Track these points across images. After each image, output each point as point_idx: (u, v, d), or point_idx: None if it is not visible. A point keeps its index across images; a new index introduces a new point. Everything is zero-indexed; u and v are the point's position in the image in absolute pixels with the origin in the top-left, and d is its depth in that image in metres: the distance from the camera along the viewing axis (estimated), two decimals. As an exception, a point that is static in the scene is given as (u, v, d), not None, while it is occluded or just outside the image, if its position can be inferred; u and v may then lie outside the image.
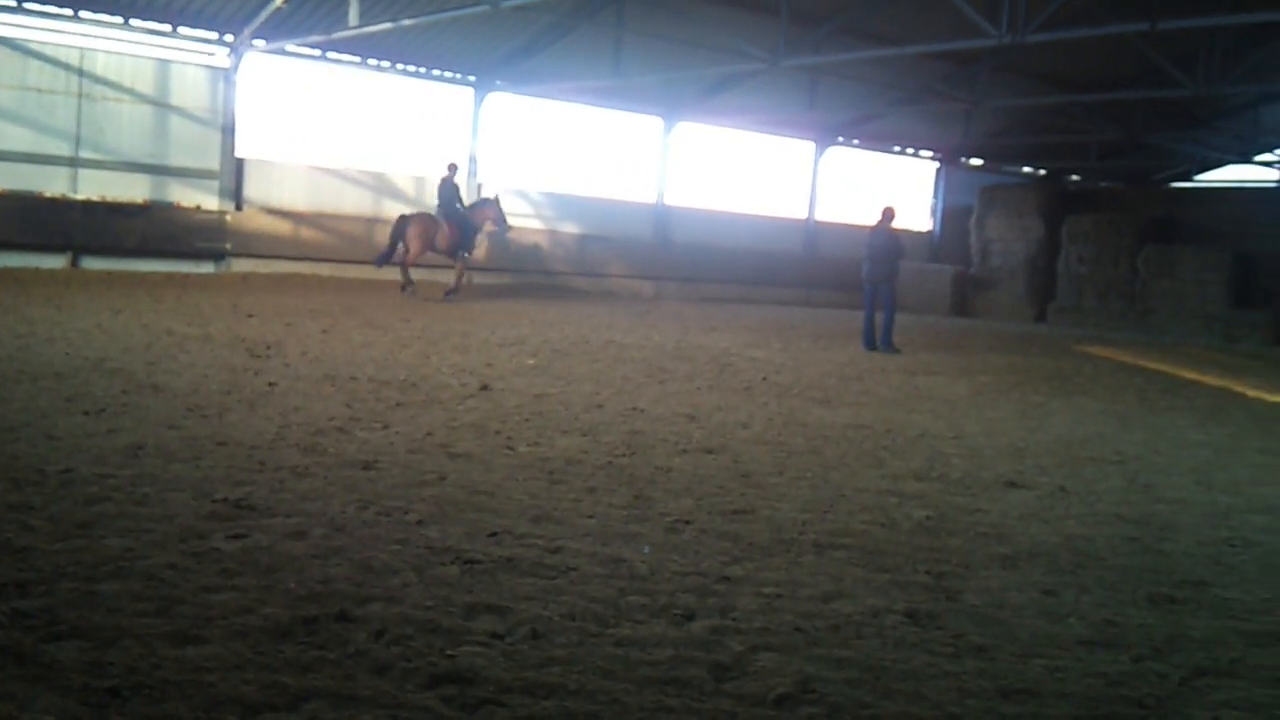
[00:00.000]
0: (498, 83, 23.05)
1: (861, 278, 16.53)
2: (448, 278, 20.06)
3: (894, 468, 7.22)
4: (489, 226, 20.53)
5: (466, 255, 20.08)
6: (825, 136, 28.50)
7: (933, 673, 3.65)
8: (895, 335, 16.19)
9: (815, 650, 3.78)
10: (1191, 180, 31.36)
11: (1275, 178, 29.36)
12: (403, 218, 19.49)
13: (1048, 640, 4.05)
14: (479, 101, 23.21)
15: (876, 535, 5.40)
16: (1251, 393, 13.54)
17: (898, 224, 16.93)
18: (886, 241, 16.32)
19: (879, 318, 16.09)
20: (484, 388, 9.32)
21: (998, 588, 4.66)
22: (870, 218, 17.72)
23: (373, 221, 21.72)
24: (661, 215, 26.32)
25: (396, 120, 22.88)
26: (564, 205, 24.78)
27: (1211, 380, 14.86)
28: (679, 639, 3.80)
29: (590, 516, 5.38)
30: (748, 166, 28.51)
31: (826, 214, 29.54)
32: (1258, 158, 28.89)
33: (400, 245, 19.26)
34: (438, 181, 20.03)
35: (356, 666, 3.38)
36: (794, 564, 4.82)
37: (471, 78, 22.90)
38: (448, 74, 22.65)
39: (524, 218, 24.01)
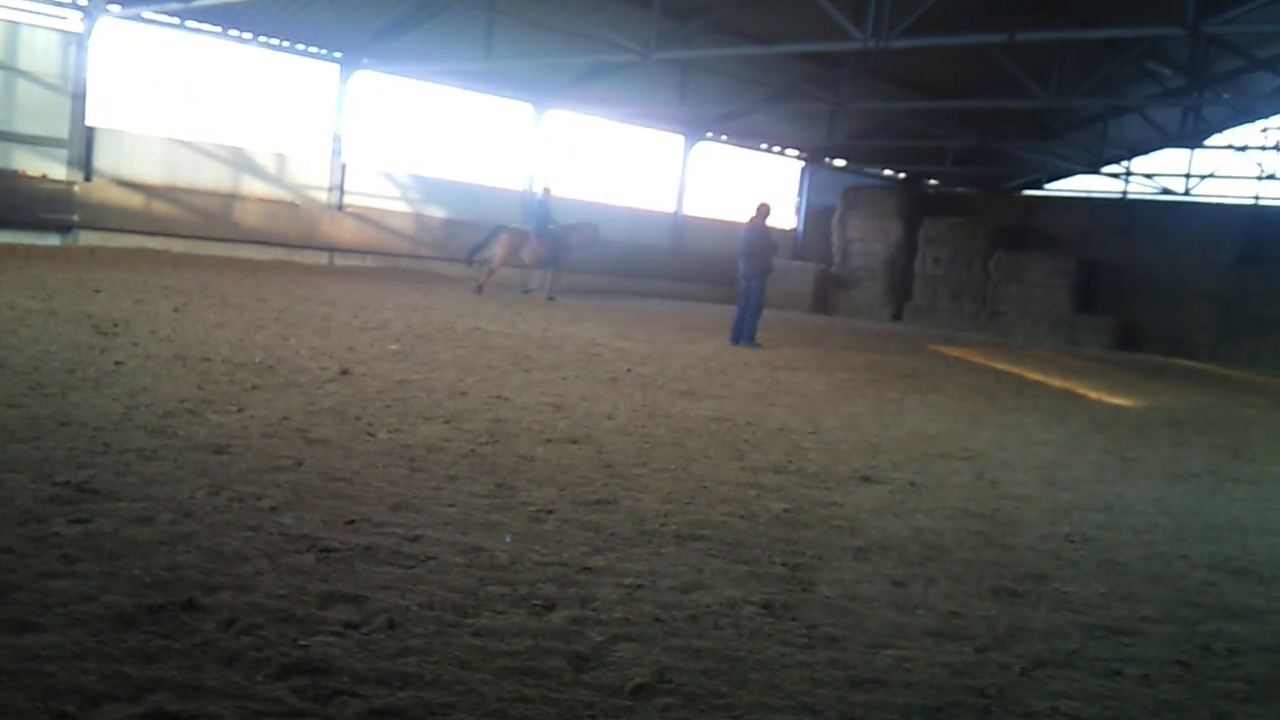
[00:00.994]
0: (365, 61, 22.57)
1: (739, 273, 16.75)
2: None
3: (754, 461, 7.33)
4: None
5: (555, 270, 22.08)
6: (695, 131, 28.74)
7: (786, 663, 3.72)
8: (759, 331, 16.44)
9: (673, 641, 3.82)
10: (1042, 188, 32.60)
11: (1120, 189, 30.70)
12: (498, 227, 21.53)
13: (896, 631, 4.17)
14: (345, 79, 22.70)
15: (736, 527, 5.48)
16: (1093, 395, 14.15)
17: (771, 221, 17.18)
18: (761, 238, 16.56)
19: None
20: (344, 372, 9.14)
21: (850, 579, 4.78)
22: (738, 214, 17.99)
23: (231, 198, 21.06)
24: (530, 202, 26.18)
25: (258, 95, 22.21)
26: (432, 189, 24.43)
27: (1056, 382, 15.49)
28: (538, 629, 3.80)
29: (451, 505, 5.33)
30: (618, 157, 28.58)
31: (695, 208, 29.82)
32: (1104, 169, 30.21)
33: (491, 249, 21.27)
34: (533, 201, 22.24)
35: (204, 656, 3.28)
36: (655, 555, 4.86)
37: (338, 54, 22.36)
38: (313, 49, 22.05)
39: (390, 200, 23.61)
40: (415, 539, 4.69)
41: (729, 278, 29.23)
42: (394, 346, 11.22)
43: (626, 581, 4.42)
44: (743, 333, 16.15)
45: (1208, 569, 5.58)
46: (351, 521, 4.84)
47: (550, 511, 5.39)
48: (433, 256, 24.18)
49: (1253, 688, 3.89)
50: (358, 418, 7.31)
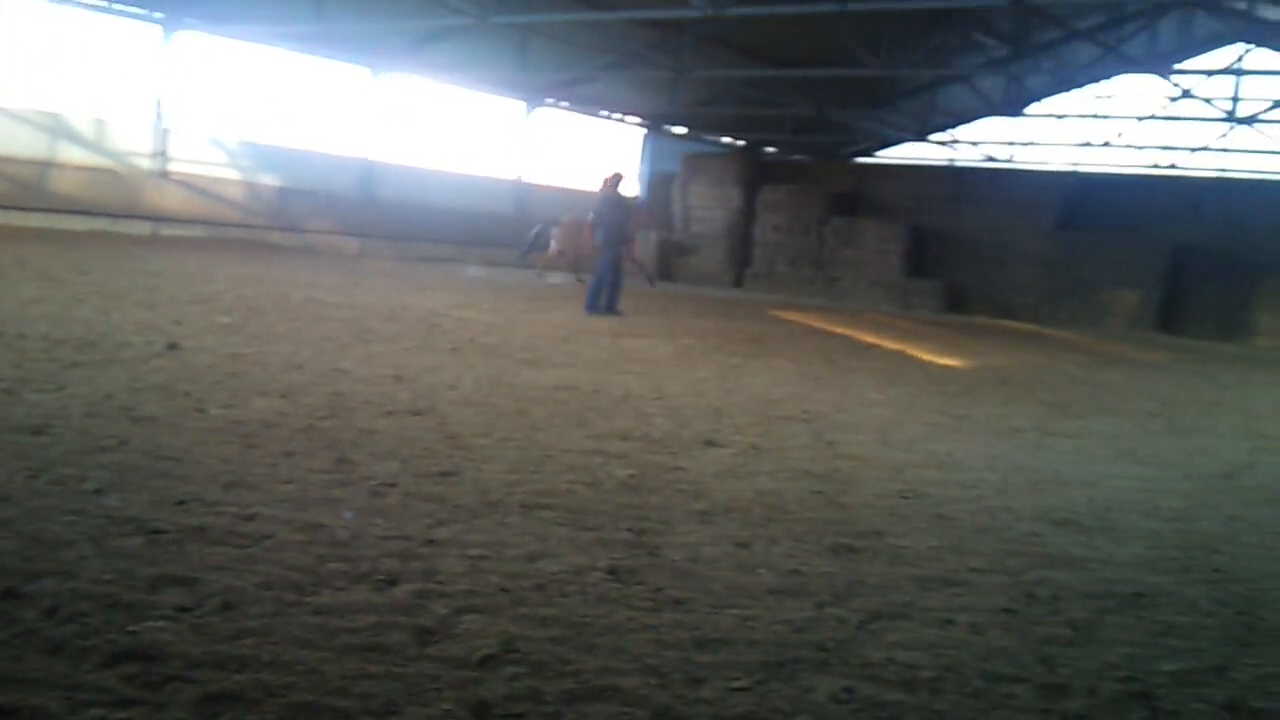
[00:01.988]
0: (188, 20, 21.63)
1: (595, 242, 16.76)
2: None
3: (600, 428, 7.35)
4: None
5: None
6: (535, 97, 28.53)
7: (633, 626, 3.75)
8: (602, 299, 16.46)
9: (520, 610, 3.80)
10: (874, 156, 33.47)
11: (948, 157, 31.73)
12: (549, 221, 22.40)
13: (740, 591, 4.24)
14: (167, 40, 21.72)
15: (582, 494, 5.48)
16: (925, 356, 14.65)
17: (624, 188, 17.22)
18: (615, 206, 16.58)
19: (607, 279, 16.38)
20: (172, 347, 8.77)
21: (695, 542, 4.83)
22: (582, 181, 18.00)
23: (47, 166, 19.97)
24: (368, 170, 25.61)
25: (75, 58, 21.08)
26: (263, 156, 23.65)
27: (890, 344, 15.98)
28: (381, 604, 3.72)
29: (288, 482, 5.18)
30: (458, 124, 28.17)
31: (538, 176, 29.63)
32: (932, 137, 31.20)
33: (546, 242, 22.29)
34: (599, 188, 21.12)
35: (26, 646, 3.12)
36: (500, 525, 4.82)
37: (159, 14, 21.37)
38: (132, 8, 21.03)
39: (219, 167, 22.76)
40: (250, 518, 4.54)
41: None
42: (225, 319, 10.84)
43: (471, 553, 4.37)
44: (599, 301, 16.14)
45: (1032, 520, 5.84)
46: (182, 502, 4.66)
47: (392, 485, 5.30)
48: (265, 226, 23.43)
49: (1075, 632, 4.09)
50: (187, 394, 7.04)
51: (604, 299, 16.15)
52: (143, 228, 21.38)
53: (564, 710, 3.07)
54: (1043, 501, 6.33)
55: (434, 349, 10.45)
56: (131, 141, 21.52)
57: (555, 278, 23.32)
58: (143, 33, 21.62)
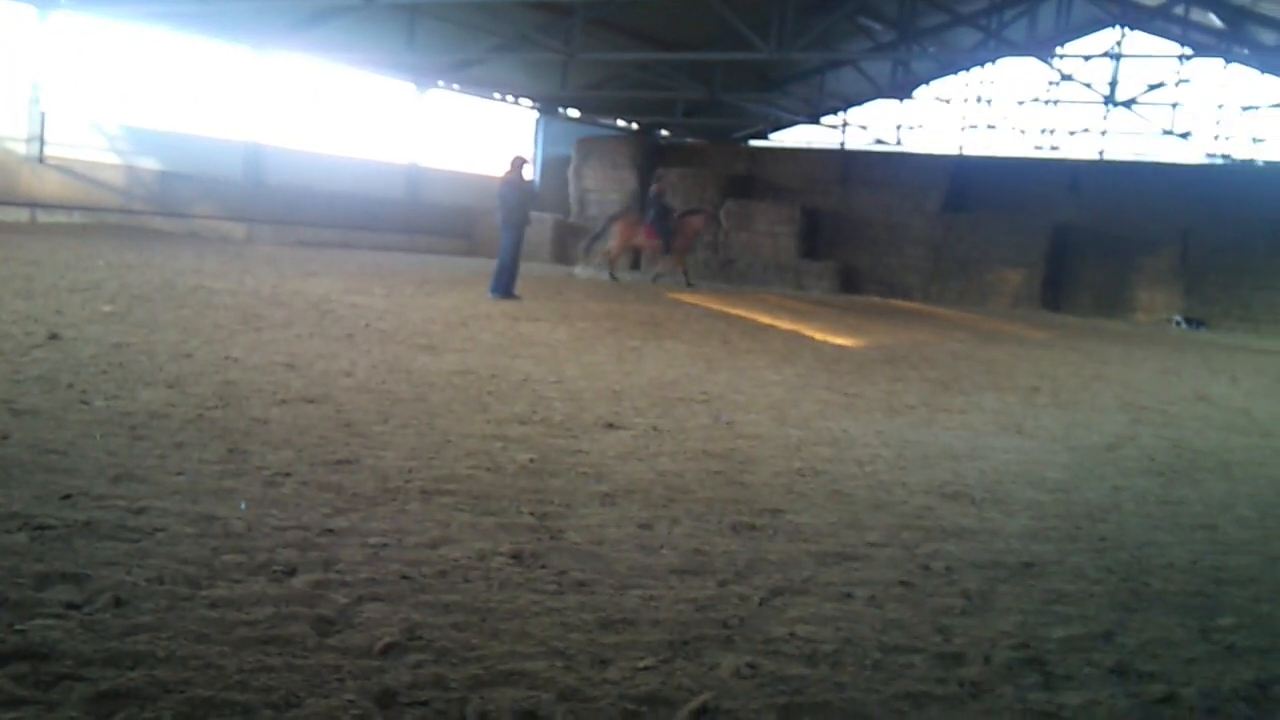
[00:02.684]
0: (63, 1, 20.84)
1: (499, 224, 16.63)
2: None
3: (499, 412, 7.31)
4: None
5: (668, 255, 23.80)
6: (426, 79, 28.14)
7: (537, 610, 3.74)
8: (506, 282, 16.33)
9: (422, 597, 3.76)
10: (767, 139, 33.79)
11: (838, 140, 32.18)
12: (612, 216, 23.33)
13: (643, 571, 4.26)
14: (42, 19, 20.89)
15: (482, 479, 5.45)
16: (819, 336, 14.87)
17: (526, 172, 17.11)
18: (517, 190, 16.48)
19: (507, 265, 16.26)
20: (53, 337, 8.47)
21: (598, 524, 4.84)
22: (475, 164, 17.84)
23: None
24: (254, 154, 24.98)
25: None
26: (144, 139, 22.92)
27: (785, 325, 16.18)
28: (279, 596, 3.66)
29: (179, 473, 5.05)
30: (347, 106, 27.63)
31: (431, 159, 29.26)
32: (823, 120, 31.61)
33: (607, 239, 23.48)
34: (652, 192, 23.57)
35: (-98, 652, 2.99)
36: (400, 512, 4.77)
37: (32, -6, 20.57)
38: (1, -12, 20.22)
39: (99, 152, 22.01)
40: (140, 511, 4.42)
41: (468, 230, 29.03)
42: (108, 308, 10.50)
43: (371, 541, 4.32)
44: (499, 284, 16.02)
45: (925, 494, 5.98)
46: (68, 496, 4.51)
47: (287, 474, 5.20)
48: (147, 211, 22.74)
49: (969, 602, 4.21)
50: (70, 385, 6.81)
51: (501, 282, 16.05)
52: (19, 214, 20.58)
53: (470, 696, 3.06)
54: (934, 476, 6.48)
55: (327, 335, 10.27)
56: (6, 126, 20.69)
57: (623, 274, 24.24)
58: (16, 13, 20.76)
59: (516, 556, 4.29)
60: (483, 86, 29.60)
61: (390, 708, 2.96)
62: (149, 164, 22.97)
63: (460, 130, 30.29)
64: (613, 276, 23.18)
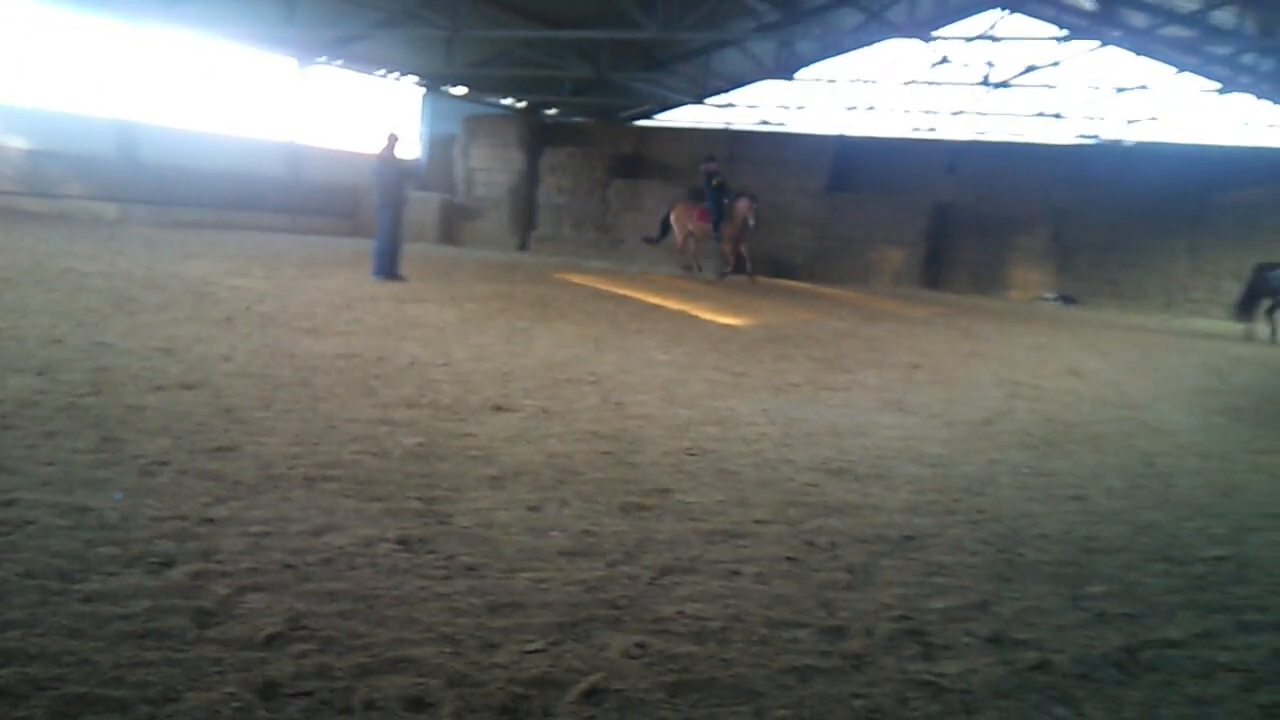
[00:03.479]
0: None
1: (375, 204, 16.33)
2: None
3: (385, 396, 7.21)
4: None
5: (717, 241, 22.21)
6: (307, 55, 27.48)
7: (425, 596, 3.71)
8: (388, 263, 16.09)
9: (306, 586, 3.71)
10: (654, 119, 33.85)
11: (725, 120, 32.40)
12: (666, 211, 22.85)
13: (533, 554, 4.26)
14: (-107, -11, 19.87)
15: (369, 465, 5.38)
16: (706, 316, 14.98)
17: (401, 149, 16.82)
18: (393, 168, 16.20)
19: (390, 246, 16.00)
20: (-89, 323, 8.11)
21: (487, 508, 4.82)
22: (359, 142, 17.48)
23: None
24: (127, 132, 24.10)
25: None
26: (10, 118, 21.93)
27: (673, 305, 16.26)
28: (157, 588, 3.56)
29: (50, 464, 4.88)
30: (225, 83, 26.83)
31: (313, 137, 28.62)
32: (710, 100, 31.78)
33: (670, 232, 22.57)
34: (702, 171, 22.20)
35: None
36: (283, 500, 4.68)
37: (-119, -39, 19.52)
38: None
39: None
40: (9, 503, 4.26)
41: (352, 210, 28.50)
42: (-28, 292, 10.07)
43: (253, 530, 4.23)
44: (381, 266, 15.77)
45: (810, 471, 6.08)
46: (-71, 490, 4.33)
47: (165, 463, 5.06)
48: (14, 192, 21.81)
49: (852, 576, 4.30)
50: (-69, 374, 6.52)
51: (385, 263, 15.81)
52: None
53: (356, 685, 3.03)
54: (819, 453, 6.60)
55: (205, 319, 10.01)
56: None
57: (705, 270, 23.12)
58: None
59: (403, 542, 4.25)
60: (366, 63, 29.01)
61: (273, 699, 2.92)
62: (15, 143, 22.02)
63: (343, 108, 29.68)
64: (698, 268, 22.66)
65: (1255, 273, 19.74)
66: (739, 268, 22.08)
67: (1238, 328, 19.74)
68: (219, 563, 3.85)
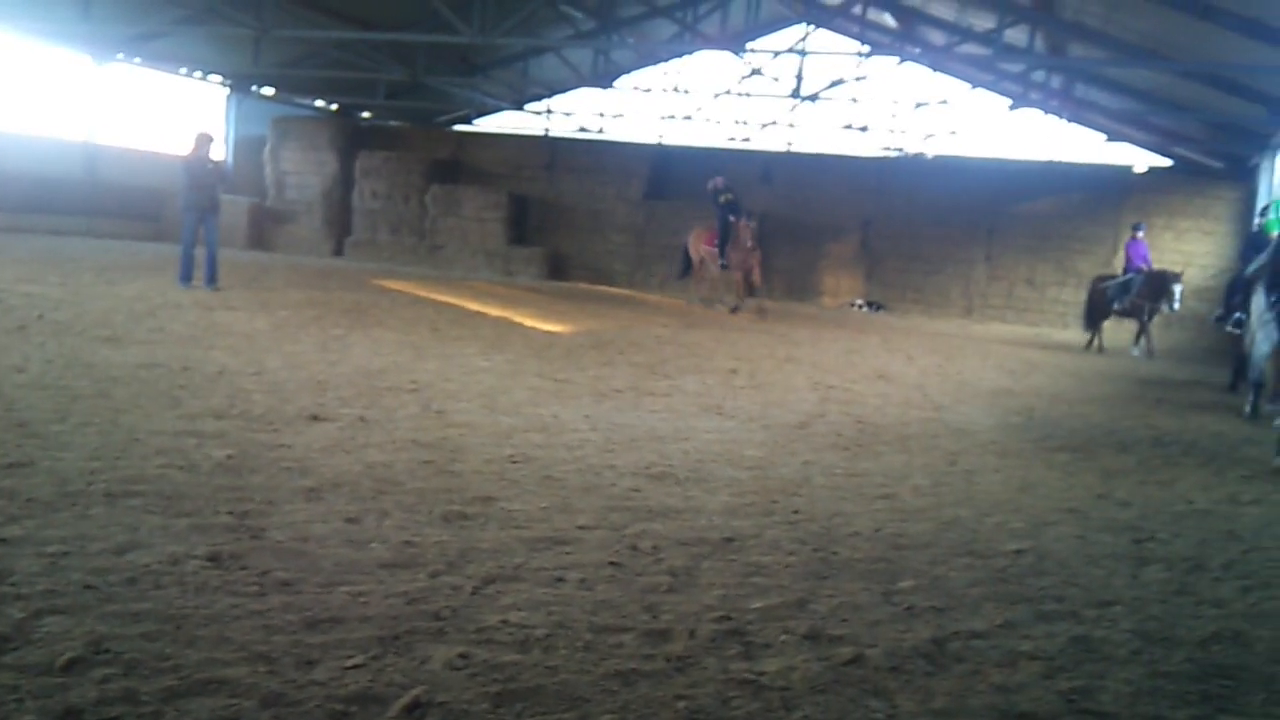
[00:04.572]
0: None
1: (181, 207, 15.60)
2: None
3: (192, 407, 6.93)
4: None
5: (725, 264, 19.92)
6: (104, 52, 26.18)
7: (238, 614, 3.58)
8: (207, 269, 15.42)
9: (108, 607, 3.53)
10: (473, 124, 33.59)
11: (543, 126, 32.40)
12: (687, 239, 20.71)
13: (351, 567, 4.16)
14: None
15: (175, 479, 5.16)
16: (528, 323, 14.94)
17: (214, 151, 16.14)
18: (206, 169, 15.54)
19: (201, 252, 15.31)
20: None
21: (302, 521, 4.69)
22: (163, 143, 16.72)
23: None
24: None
25: None
26: None
27: (494, 311, 16.16)
28: (-58, 616, 3.34)
29: None
30: (16, 79, 25.30)
31: (112, 137, 27.26)
32: (528, 106, 31.72)
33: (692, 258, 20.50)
34: (709, 190, 19.47)
35: None
36: (82, 517, 4.44)
37: None
38: None
39: None
40: None
41: (155, 212, 27.29)
42: None
43: (50, 550, 4.00)
44: (191, 272, 15.09)
45: (633, 476, 6.14)
46: None
47: (-50, 481, 4.74)
48: None
49: (675, 579, 4.35)
50: None
51: (191, 268, 15.17)
52: None
53: (163, 709, 2.90)
54: (641, 457, 6.66)
55: (-6, 328, 9.42)
56: None
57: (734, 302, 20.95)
58: None
59: (214, 559, 4.09)
60: (168, 61, 27.80)
61: (74, 728, 2.77)
62: None
63: (145, 107, 28.38)
64: (717, 301, 20.55)
65: (1091, 285, 20.63)
66: (749, 293, 20.44)
67: (1030, 332, 20.86)
68: (13, 585, 3.63)
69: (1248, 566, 5.21)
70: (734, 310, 19.57)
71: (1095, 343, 19.98)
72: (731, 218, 19.69)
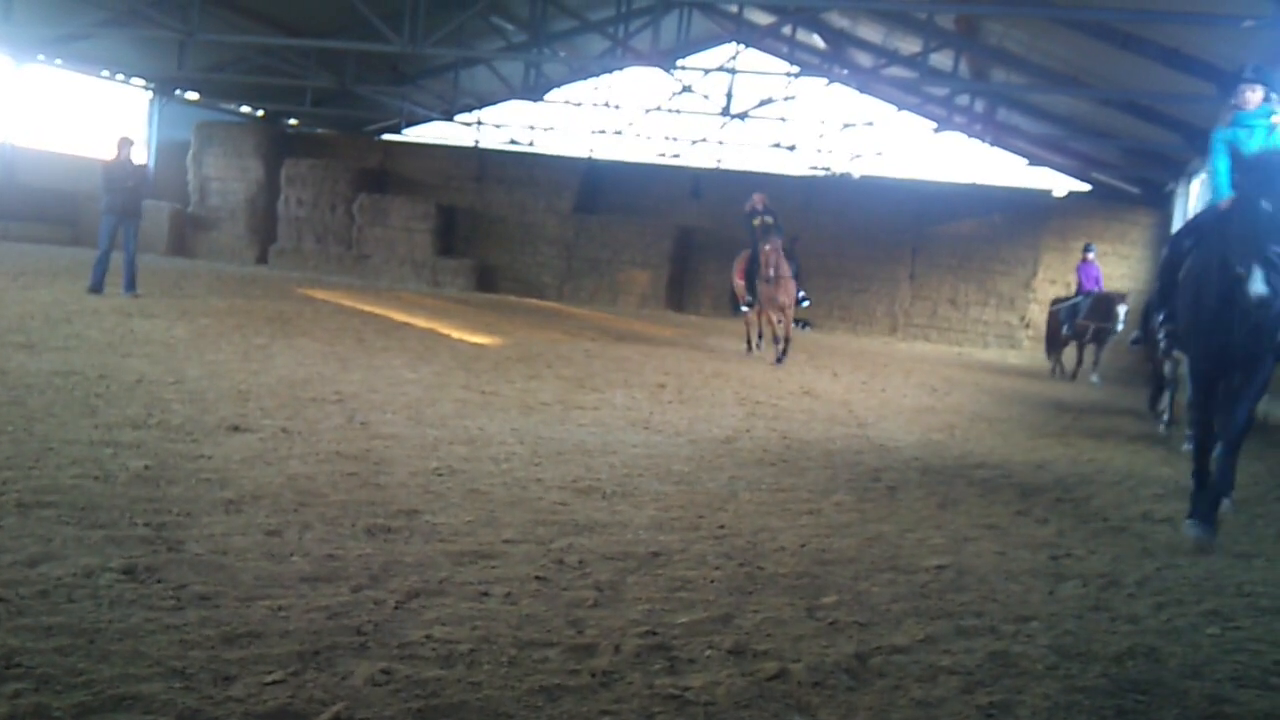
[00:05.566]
0: None
1: (100, 211, 15.25)
2: None
3: (109, 416, 6.78)
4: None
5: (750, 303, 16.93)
6: (24, 52, 25.55)
7: (153, 628, 3.51)
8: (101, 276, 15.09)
9: (20, 621, 3.43)
10: (402, 134, 33.35)
11: (474, 138, 32.27)
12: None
13: (271, 581, 4.10)
14: None
15: (90, 489, 5.04)
16: (456, 335, 14.85)
17: (135, 154, 15.82)
18: (129, 173, 15.22)
19: (119, 257, 14.98)
20: None
21: (221, 533, 4.60)
22: (82, 146, 16.34)
23: None
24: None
25: None
26: None
27: (421, 323, 16.04)
28: None
29: None
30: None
31: (29, 139, 26.59)
32: (458, 117, 31.58)
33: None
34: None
35: None
36: (-9, 529, 4.32)
37: None
38: None
39: None
40: None
41: (73, 217, 26.68)
42: None
43: (-43, 562, 3.89)
44: (104, 279, 14.73)
45: (559, 490, 6.12)
46: None
47: None
48: None
49: (600, 593, 4.35)
50: None
51: (104, 275, 14.83)
52: None
53: (76, 726, 2.82)
54: (568, 471, 6.65)
55: (-99, 332, 9.13)
56: None
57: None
58: None
59: (129, 571, 4.00)
60: (90, 63, 27.20)
61: (-19, 747, 2.68)
62: None
63: (64, 109, 27.74)
64: (755, 343, 17.33)
65: (1049, 311, 20.19)
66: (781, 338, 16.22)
67: (953, 351, 21.17)
68: (-84, 600, 3.52)
69: (1161, 583, 5.34)
70: (778, 360, 15.67)
71: (1057, 370, 19.37)
72: (768, 246, 16.14)
